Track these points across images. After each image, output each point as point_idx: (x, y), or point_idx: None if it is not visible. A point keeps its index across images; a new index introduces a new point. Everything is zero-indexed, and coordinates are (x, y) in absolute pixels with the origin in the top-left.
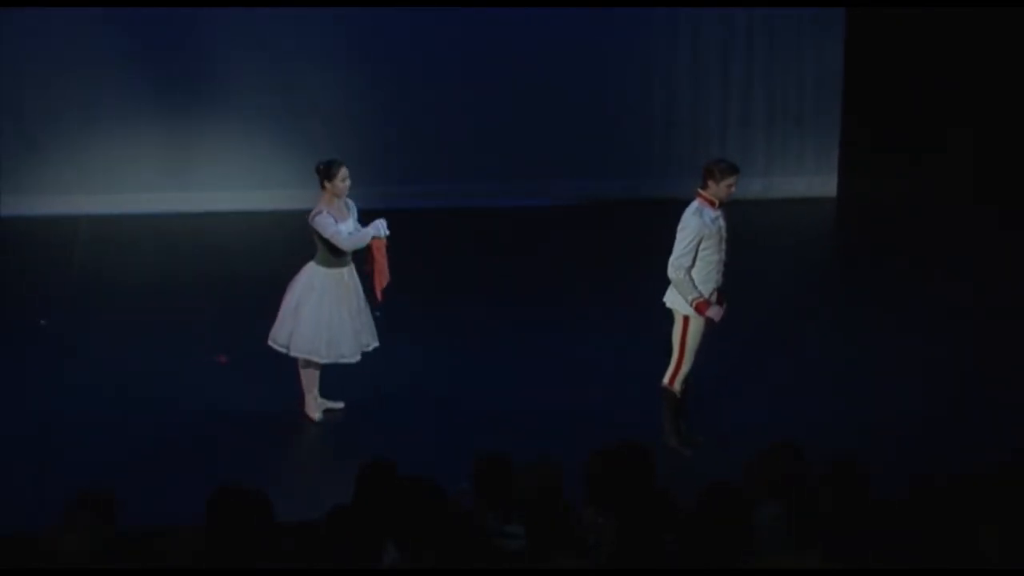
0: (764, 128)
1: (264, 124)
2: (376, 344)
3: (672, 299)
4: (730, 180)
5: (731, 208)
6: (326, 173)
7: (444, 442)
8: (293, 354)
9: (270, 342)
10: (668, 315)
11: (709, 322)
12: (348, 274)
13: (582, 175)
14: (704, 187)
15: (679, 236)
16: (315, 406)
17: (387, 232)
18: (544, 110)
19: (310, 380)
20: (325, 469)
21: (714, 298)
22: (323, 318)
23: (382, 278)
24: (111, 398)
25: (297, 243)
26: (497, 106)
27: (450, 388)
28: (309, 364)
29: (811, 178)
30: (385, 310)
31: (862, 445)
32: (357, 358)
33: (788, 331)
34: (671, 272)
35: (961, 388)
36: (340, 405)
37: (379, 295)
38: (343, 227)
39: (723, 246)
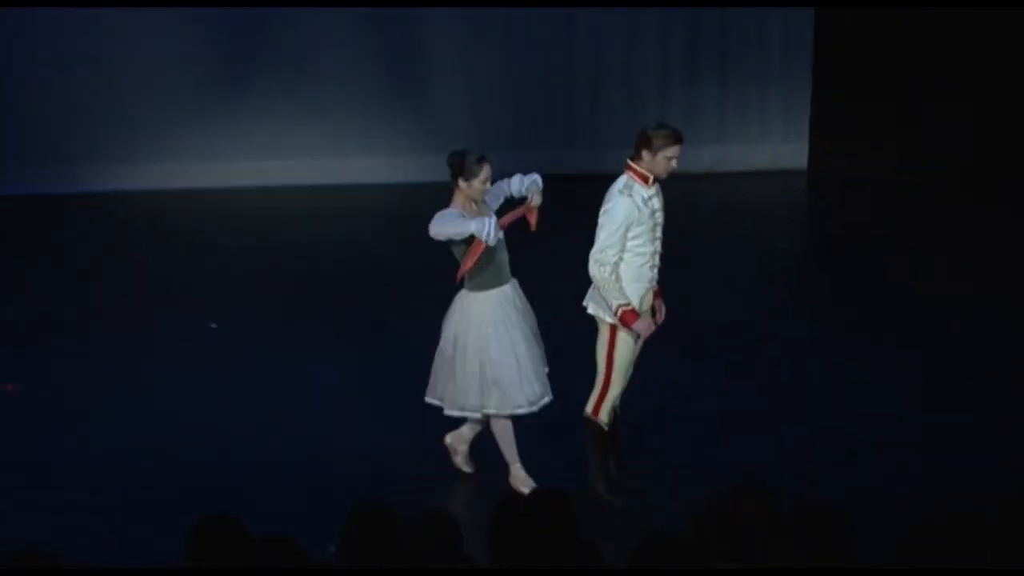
0: (716, 85)
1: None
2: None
3: (595, 303)
4: (671, 151)
5: (672, 184)
6: (462, 169)
7: (315, 486)
8: (495, 415)
9: (453, 411)
10: (591, 324)
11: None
12: (513, 289)
13: (495, 148)
14: (637, 158)
15: (602, 221)
16: (526, 480)
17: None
18: (454, 79)
19: (510, 447)
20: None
21: (648, 300)
22: (512, 357)
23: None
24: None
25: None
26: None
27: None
28: (505, 427)
29: (776, 147)
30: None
31: (843, 484)
32: (549, 397)
33: (749, 338)
34: (593, 269)
35: (960, 405)
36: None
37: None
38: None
39: (658, 233)
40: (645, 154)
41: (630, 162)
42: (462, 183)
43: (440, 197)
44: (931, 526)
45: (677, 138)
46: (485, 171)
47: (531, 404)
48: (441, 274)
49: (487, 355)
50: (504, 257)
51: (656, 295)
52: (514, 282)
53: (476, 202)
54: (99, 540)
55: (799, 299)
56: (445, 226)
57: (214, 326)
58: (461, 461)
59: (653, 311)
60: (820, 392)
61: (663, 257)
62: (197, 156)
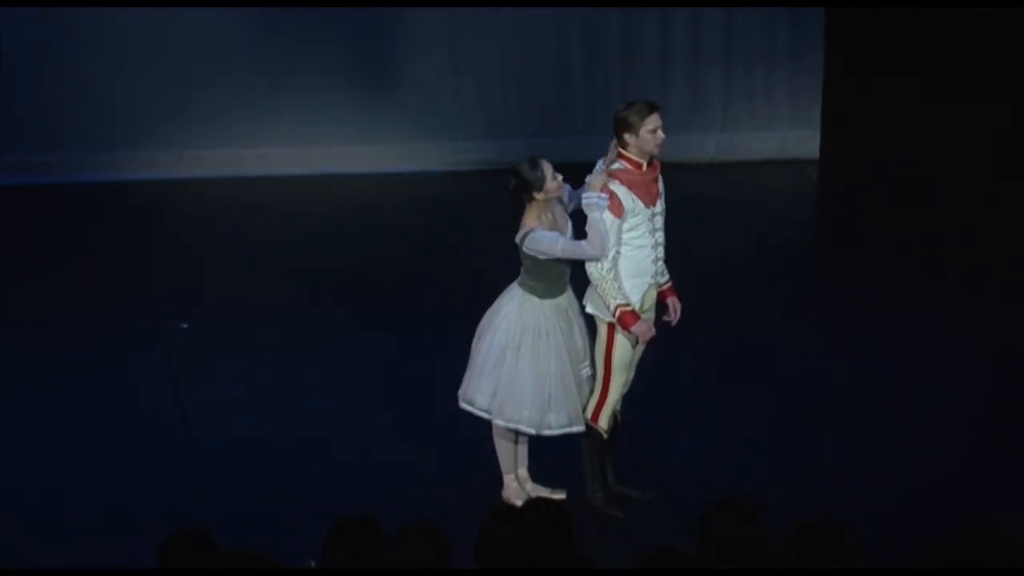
0: (719, 66)
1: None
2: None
3: (592, 303)
4: (651, 122)
5: (675, 174)
6: (534, 181)
7: (299, 496)
8: (498, 422)
9: (462, 403)
10: (590, 323)
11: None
12: (568, 302)
13: (468, 136)
14: (623, 145)
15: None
16: (518, 492)
17: None
18: (438, 63)
19: (507, 457)
20: None
21: (651, 298)
22: (541, 372)
23: None
24: None
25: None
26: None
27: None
28: (505, 435)
29: (785, 134)
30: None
31: (853, 500)
32: (581, 426)
33: (756, 338)
34: (589, 265)
35: (988, 419)
36: (562, 495)
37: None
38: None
39: (658, 224)
40: (629, 137)
41: (621, 151)
42: (537, 195)
43: (424, 185)
44: (948, 543)
45: (651, 107)
46: (547, 169)
47: (536, 428)
48: (426, 275)
49: (517, 360)
50: (568, 268)
51: (668, 292)
52: (570, 294)
53: (550, 204)
54: (85, 543)
55: (809, 297)
56: (589, 244)
57: (185, 326)
58: (529, 489)
59: (665, 310)
60: (831, 396)
61: (667, 248)
62: (167, 144)
